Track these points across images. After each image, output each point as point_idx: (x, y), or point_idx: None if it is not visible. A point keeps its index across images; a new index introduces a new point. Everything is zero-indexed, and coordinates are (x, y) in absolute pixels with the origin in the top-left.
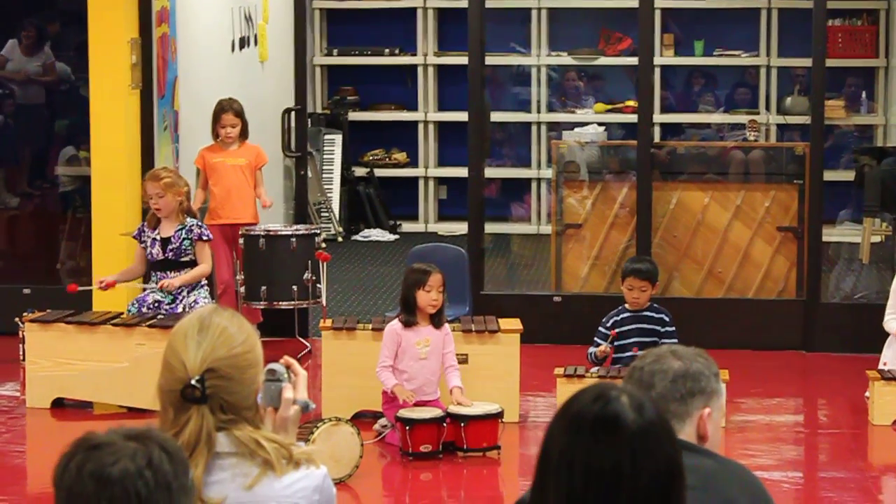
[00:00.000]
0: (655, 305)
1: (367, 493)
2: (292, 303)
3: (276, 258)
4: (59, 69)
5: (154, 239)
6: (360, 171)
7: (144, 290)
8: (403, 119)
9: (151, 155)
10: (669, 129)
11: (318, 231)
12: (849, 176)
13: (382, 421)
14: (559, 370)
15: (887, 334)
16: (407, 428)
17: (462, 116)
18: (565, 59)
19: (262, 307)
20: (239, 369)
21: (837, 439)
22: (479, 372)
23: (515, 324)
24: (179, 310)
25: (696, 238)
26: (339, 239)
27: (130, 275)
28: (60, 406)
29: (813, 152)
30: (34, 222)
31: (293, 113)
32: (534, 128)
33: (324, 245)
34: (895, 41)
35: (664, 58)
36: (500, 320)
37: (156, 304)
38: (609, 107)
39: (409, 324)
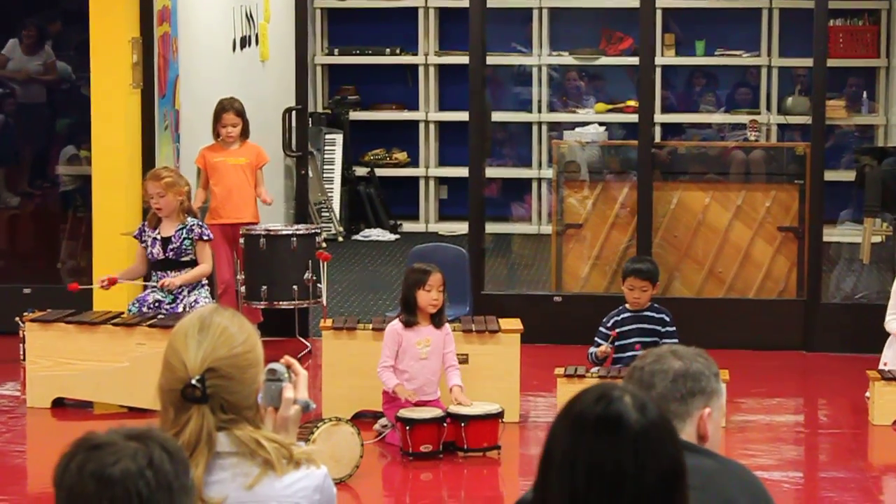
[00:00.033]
0: (656, 305)
1: (367, 493)
2: (293, 302)
3: (276, 258)
4: (59, 68)
5: (155, 238)
6: (360, 171)
7: (145, 287)
8: (404, 119)
9: (152, 154)
10: (670, 129)
11: (319, 231)
12: (849, 176)
13: (383, 421)
14: (559, 370)
15: (887, 334)
16: (407, 428)
17: (463, 116)
18: (566, 59)
19: (262, 307)
20: (239, 369)
21: (838, 439)
22: (480, 372)
23: (516, 324)
24: (180, 309)
25: (696, 238)
26: (340, 239)
27: (132, 274)
28: (61, 406)
29: (814, 152)
30: (35, 222)
31: (294, 112)
32: (534, 128)
33: (324, 245)
34: None
35: (665, 58)
36: (500, 320)
37: (156, 304)
38: (610, 107)
39: (409, 324)
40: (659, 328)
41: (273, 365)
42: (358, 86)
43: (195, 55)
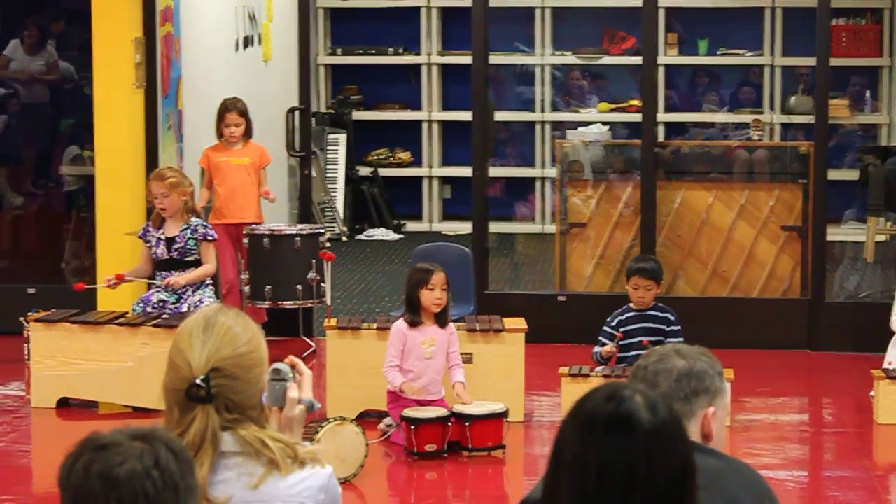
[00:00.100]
0: (660, 305)
1: (372, 492)
2: (297, 302)
3: (280, 258)
4: (62, 68)
5: (159, 238)
6: (364, 171)
7: (150, 286)
8: (407, 118)
9: (155, 154)
10: (673, 129)
11: (323, 230)
12: (853, 175)
13: (387, 420)
14: (564, 369)
15: (892, 333)
16: (412, 427)
17: (466, 116)
18: (569, 59)
19: (266, 307)
20: (244, 368)
21: (842, 438)
22: (484, 371)
23: (520, 323)
24: (184, 309)
25: (700, 237)
26: (344, 238)
27: (139, 274)
28: (65, 406)
29: (817, 151)
30: (38, 222)
31: (297, 112)
32: (538, 127)
33: (328, 244)
34: None
35: (668, 57)
36: (504, 320)
37: (160, 304)
38: (613, 106)
39: (414, 323)
40: (663, 327)
41: (277, 365)
42: (361, 85)
43: (198, 55)
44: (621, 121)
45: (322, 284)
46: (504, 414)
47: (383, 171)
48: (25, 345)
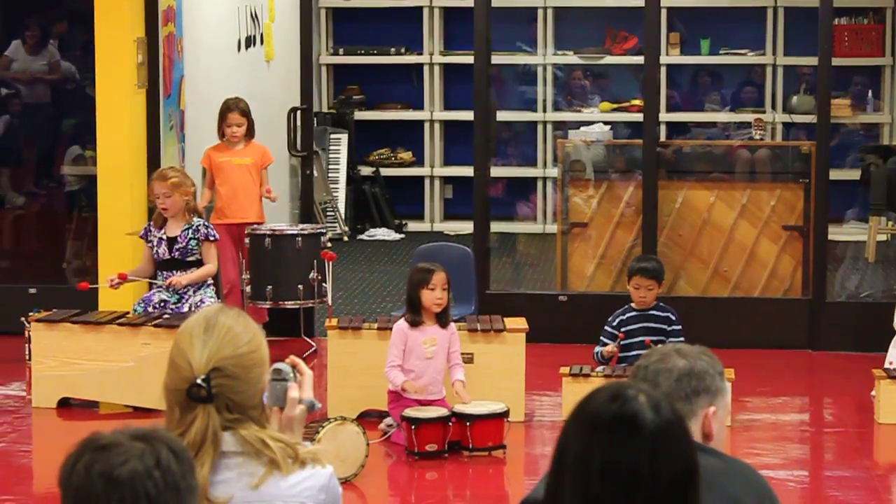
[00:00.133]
0: (661, 304)
1: (372, 492)
2: (298, 302)
3: (281, 258)
4: (64, 68)
5: (160, 238)
6: (365, 171)
7: (151, 286)
8: (409, 118)
9: (157, 154)
10: (675, 128)
11: (324, 230)
12: (855, 174)
13: (388, 420)
14: (565, 369)
15: (893, 333)
16: (412, 427)
17: (468, 115)
18: (571, 58)
19: (267, 307)
20: (245, 368)
21: (843, 438)
22: (485, 371)
23: (521, 323)
24: (185, 309)
25: (701, 237)
26: (345, 238)
27: (141, 273)
28: (66, 406)
29: (819, 151)
30: (40, 222)
31: (299, 112)
32: (540, 127)
33: (329, 244)
34: None
35: (670, 57)
36: (505, 319)
37: (161, 304)
38: (615, 106)
39: (415, 323)
40: (665, 327)
41: (278, 365)
42: (363, 85)
43: (200, 55)
44: (623, 120)
45: (323, 284)
46: (505, 414)
47: (385, 171)
48: (26, 345)
